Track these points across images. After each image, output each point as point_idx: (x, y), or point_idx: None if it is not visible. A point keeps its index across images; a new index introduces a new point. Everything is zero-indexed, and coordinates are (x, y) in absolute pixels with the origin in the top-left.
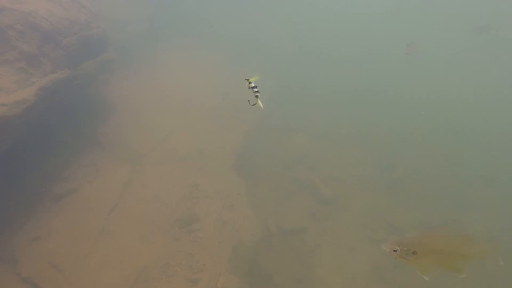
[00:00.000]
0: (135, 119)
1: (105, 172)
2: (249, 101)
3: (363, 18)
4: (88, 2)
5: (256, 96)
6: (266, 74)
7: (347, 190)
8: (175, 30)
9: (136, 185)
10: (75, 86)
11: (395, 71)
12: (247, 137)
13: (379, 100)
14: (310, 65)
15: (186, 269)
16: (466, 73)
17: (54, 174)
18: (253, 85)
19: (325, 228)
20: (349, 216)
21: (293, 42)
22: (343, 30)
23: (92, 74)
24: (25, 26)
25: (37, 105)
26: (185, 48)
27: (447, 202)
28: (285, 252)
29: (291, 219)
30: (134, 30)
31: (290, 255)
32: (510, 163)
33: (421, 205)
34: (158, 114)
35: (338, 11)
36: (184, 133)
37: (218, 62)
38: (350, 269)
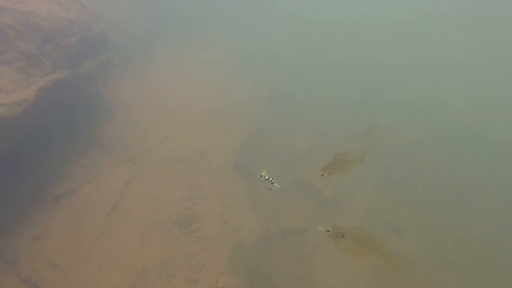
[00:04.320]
0: (135, 119)
1: (105, 172)
2: (269, 188)
3: (365, 26)
4: (88, 2)
5: (273, 183)
6: (267, 76)
7: (347, 191)
8: (175, 30)
9: (136, 185)
10: (75, 86)
11: (396, 75)
12: (247, 138)
13: (379, 102)
14: (311, 67)
15: (186, 269)
16: (468, 77)
17: (54, 174)
18: (267, 177)
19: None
20: (349, 216)
21: (294, 45)
22: (344, 36)
23: (92, 74)
24: (25, 26)
25: (37, 105)
26: (185, 48)
27: (447, 203)
28: (285, 252)
29: (291, 219)
30: (134, 30)
31: (290, 255)
32: (509, 164)
33: (421, 205)
34: (158, 114)
35: (338, 19)
36: (184, 133)
37: (218, 63)
38: (350, 269)
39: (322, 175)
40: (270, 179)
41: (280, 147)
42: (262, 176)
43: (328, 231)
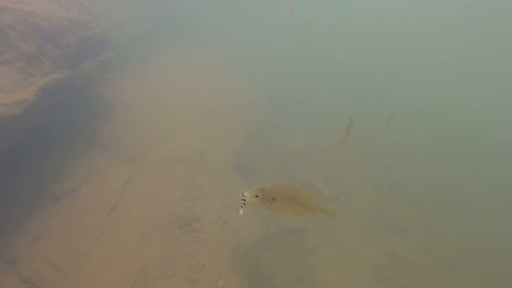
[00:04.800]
0: (135, 119)
1: (105, 172)
2: (236, 207)
3: (365, 27)
4: (88, 2)
5: (242, 207)
6: (266, 76)
7: (347, 190)
8: (175, 30)
9: (136, 185)
10: (75, 86)
11: (396, 75)
12: (247, 137)
13: (379, 102)
14: (311, 68)
15: (186, 269)
16: (468, 77)
17: (53, 174)
18: (243, 199)
19: (325, 228)
20: (349, 216)
21: (294, 45)
22: (344, 37)
23: (92, 74)
24: (25, 26)
25: (37, 105)
26: (185, 48)
27: (446, 202)
28: (285, 252)
29: (291, 219)
30: (134, 30)
31: (290, 255)
32: (509, 164)
33: (421, 205)
34: (158, 114)
35: (338, 19)
36: (184, 133)
37: (218, 63)
38: (350, 269)
39: (257, 196)
40: (244, 202)
41: (280, 147)
42: (242, 195)
43: (257, 196)
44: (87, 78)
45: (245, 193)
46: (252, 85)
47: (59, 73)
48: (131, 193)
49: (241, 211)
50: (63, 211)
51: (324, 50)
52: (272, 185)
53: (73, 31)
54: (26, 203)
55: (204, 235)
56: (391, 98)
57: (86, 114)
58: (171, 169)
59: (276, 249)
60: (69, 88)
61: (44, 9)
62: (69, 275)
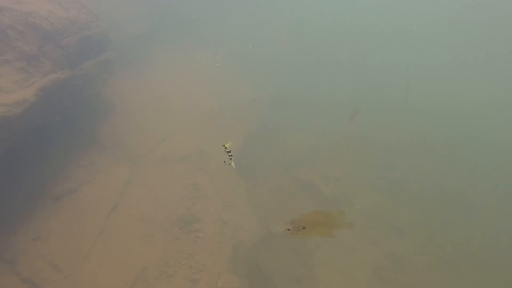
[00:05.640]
0: (135, 119)
1: (105, 172)
2: (224, 161)
3: (365, 27)
4: (88, 2)
5: (230, 159)
6: (266, 76)
7: (347, 190)
8: (175, 30)
9: (136, 185)
10: (75, 86)
11: (396, 76)
12: (247, 137)
13: (379, 102)
14: (311, 68)
15: (186, 269)
16: (468, 77)
17: (53, 174)
18: (228, 150)
19: None
20: (349, 216)
21: (293, 45)
22: (344, 37)
23: (92, 74)
24: (25, 26)
25: (37, 105)
26: (185, 48)
27: (446, 202)
28: (285, 252)
29: (291, 219)
30: (134, 30)
31: (290, 255)
32: (509, 164)
33: (421, 205)
34: (158, 114)
35: (338, 20)
36: (184, 133)
37: (217, 63)
38: (350, 269)
39: (289, 229)
40: (230, 153)
41: (280, 147)
42: (225, 147)
43: (288, 229)
44: (87, 78)
45: (228, 144)
46: (252, 85)
47: (59, 73)
48: (131, 193)
49: (232, 164)
50: (63, 211)
51: (324, 50)
52: (301, 214)
53: (73, 31)
54: (26, 203)
55: (204, 235)
56: (391, 98)
57: (86, 114)
58: (171, 169)
59: (276, 249)
60: (69, 88)
61: (44, 9)
62: (69, 275)
